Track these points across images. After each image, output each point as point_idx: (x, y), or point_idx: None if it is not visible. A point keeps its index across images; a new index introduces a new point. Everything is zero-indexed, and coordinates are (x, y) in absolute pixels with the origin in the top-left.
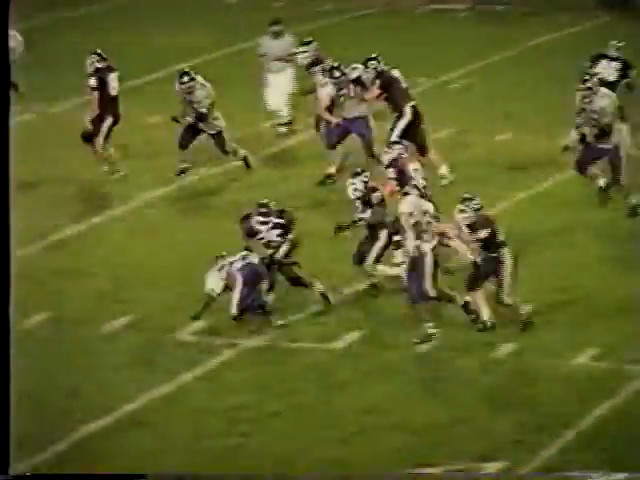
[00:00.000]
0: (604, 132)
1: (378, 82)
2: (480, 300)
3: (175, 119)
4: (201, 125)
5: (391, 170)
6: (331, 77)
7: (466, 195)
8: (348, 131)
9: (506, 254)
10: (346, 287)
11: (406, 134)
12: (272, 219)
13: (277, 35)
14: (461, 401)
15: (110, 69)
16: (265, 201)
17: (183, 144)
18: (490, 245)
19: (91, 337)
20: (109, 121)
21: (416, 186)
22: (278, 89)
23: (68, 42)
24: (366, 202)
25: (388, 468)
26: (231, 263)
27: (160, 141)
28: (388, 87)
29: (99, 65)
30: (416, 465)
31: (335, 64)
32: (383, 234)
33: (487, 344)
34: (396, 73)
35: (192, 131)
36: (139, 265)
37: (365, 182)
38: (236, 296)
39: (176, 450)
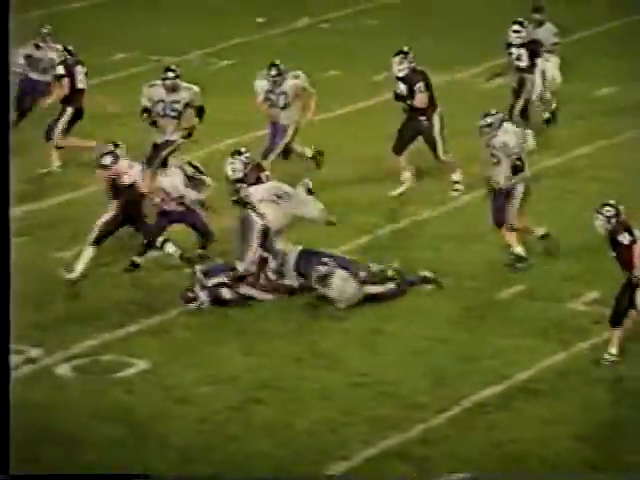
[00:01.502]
0: None
1: (422, 85)
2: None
3: None
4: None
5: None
6: (268, 74)
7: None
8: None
9: None
10: None
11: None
12: None
13: (540, 24)
14: None
15: (78, 62)
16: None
17: None
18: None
19: (486, 303)
20: (69, 112)
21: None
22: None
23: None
24: (247, 182)
25: None
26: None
27: None
28: (429, 86)
29: (66, 57)
30: None
31: (276, 61)
32: None
33: None
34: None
35: None
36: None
37: (246, 163)
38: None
39: (565, 421)
